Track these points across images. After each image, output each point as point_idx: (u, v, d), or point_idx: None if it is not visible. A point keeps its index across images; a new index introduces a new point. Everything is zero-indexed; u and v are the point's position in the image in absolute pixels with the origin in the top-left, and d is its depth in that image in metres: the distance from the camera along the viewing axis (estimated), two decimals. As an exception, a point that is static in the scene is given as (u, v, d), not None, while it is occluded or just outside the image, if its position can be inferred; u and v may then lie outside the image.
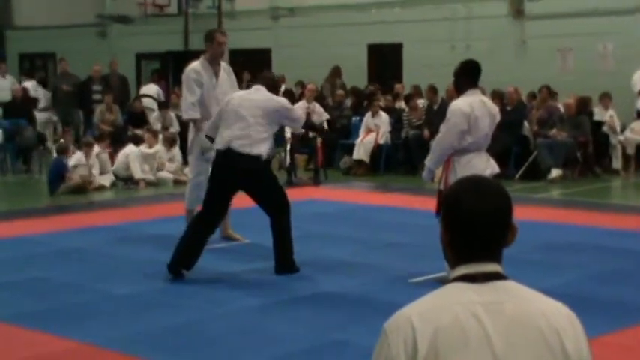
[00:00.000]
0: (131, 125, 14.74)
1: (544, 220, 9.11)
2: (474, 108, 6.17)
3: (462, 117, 6.15)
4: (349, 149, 14.40)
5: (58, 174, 11.63)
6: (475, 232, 1.89)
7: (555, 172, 12.66)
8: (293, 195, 11.67)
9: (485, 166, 6.39)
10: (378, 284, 6.53)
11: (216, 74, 7.79)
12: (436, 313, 1.82)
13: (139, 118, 14.97)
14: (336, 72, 16.70)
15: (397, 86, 15.83)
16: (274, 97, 7.05)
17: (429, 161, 6.47)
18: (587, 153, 13.15)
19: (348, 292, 6.35)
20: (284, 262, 6.86)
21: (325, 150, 13.55)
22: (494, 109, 6.48)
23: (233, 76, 8.03)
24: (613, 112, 13.70)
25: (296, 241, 8.23)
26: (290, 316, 5.74)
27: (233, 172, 6.72)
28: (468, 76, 6.27)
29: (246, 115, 6.76)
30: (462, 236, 1.91)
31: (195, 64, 7.75)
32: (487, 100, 6.60)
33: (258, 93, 6.95)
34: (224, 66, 7.96)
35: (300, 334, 5.35)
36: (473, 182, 1.98)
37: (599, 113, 13.76)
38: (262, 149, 6.76)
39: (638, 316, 5.66)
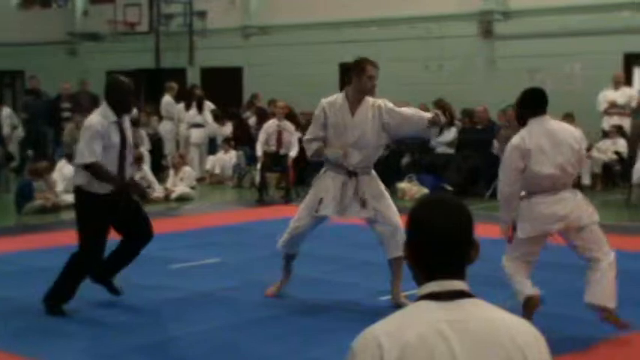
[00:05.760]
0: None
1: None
2: (525, 141, 5.51)
3: (514, 152, 5.57)
4: (320, 168, 14.39)
5: (24, 195, 11.56)
6: (437, 249, 1.93)
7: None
8: (264, 213, 11.69)
9: (554, 211, 5.51)
10: (349, 302, 6.53)
11: (353, 111, 6.31)
12: (403, 331, 1.84)
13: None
14: (255, 98, 16.97)
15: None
16: (92, 116, 6.21)
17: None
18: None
19: (320, 310, 6.35)
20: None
21: (297, 168, 13.56)
22: (569, 134, 5.64)
23: (385, 114, 6.30)
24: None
25: (269, 260, 8.21)
26: (263, 335, 5.71)
27: None
28: (524, 107, 5.65)
29: None
30: (425, 254, 1.94)
31: (329, 98, 6.44)
32: (560, 126, 5.75)
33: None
34: (373, 102, 6.32)
35: (275, 353, 5.34)
36: (433, 200, 2.02)
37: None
38: (78, 179, 6.21)
39: (604, 333, 5.71)
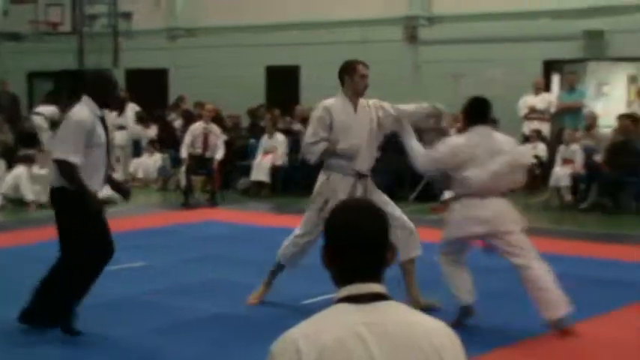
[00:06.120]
0: (22, 145, 14.35)
1: (435, 240, 9.30)
2: (460, 143, 5.76)
3: (447, 148, 5.78)
4: (246, 170, 14.41)
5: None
6: (355, 252, 1.96)
7: (448, 194, 12.98)
8: (189, 217, 11.62)
9: (476, 214, 5.68)
10: (273, 305, 6.54)
11: (355, 108, 6.26)
12: (321, 335, 1.86)
13: (30, 138, 14.57)
14: (181, 100, 16.86)
15: (298, 108, 15.89)
16: (78, 108, 5.67)
17: None
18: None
19: (243, 313, 6.34)
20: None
21: (222, 171, 13.52)
22: (507, 146, 5.84)
23: (378, 114, 6.34)
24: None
25: (193, 263, 8.18)
26: (190, 340, 5.69)
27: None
28: (468, 115, 5.93)
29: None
30: (349, 256, 1.97)
31: (329, 100, 6.31)
32: (500, 137, 5.92)
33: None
34: (366, 103, 6.33)
35: (200, 357, 5.31)
36: (356, 203, 2.06)
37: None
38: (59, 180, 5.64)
39: (530, 331, 5.86)
